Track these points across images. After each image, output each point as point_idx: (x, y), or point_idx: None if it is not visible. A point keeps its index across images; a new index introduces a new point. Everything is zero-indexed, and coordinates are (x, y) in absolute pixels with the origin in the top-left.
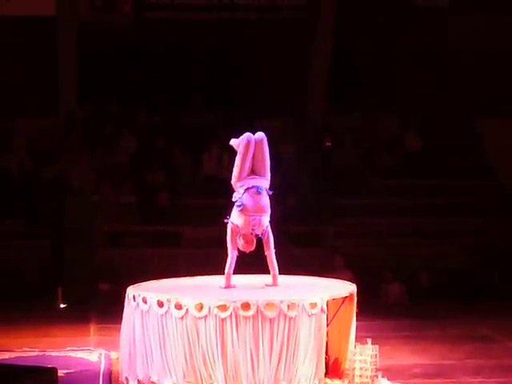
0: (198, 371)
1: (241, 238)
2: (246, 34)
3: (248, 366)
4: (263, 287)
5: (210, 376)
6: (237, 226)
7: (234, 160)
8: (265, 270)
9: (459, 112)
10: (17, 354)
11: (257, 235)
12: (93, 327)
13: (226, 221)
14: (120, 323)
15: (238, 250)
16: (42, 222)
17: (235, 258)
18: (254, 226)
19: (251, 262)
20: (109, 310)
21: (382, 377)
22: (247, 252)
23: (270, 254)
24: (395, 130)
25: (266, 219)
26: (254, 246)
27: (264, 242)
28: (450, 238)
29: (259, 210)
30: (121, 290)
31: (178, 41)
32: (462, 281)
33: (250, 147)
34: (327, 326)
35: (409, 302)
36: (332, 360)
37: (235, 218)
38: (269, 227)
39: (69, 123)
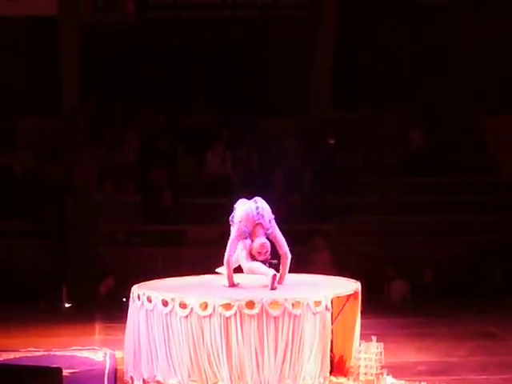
0: (203, 370)
1: (254, 245)
2: (248, 33)
3: (253, 364)
4: (268, 285)
5: (215, 375)
6: (240, 222)
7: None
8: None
9: (462, 109)
10: (22, 354)
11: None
12: (98, 326)
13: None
14: (125, 322)
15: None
16: (45, 221)
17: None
18: (258, 213)
19: None
20: (113, 309)
21: (387, 374)
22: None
23: (284, 254)
24: (398, 127)
25: (267, 212)
26: (269, 250)
27: (275, 242)
28: (454, 235)
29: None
30: (125, 289)
31: (181, 40)
32: (466, 278)
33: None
34: (332, 323)
35: (413, 299)
36: (337, 358)
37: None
38: (275, 228)
39: (72, 122)
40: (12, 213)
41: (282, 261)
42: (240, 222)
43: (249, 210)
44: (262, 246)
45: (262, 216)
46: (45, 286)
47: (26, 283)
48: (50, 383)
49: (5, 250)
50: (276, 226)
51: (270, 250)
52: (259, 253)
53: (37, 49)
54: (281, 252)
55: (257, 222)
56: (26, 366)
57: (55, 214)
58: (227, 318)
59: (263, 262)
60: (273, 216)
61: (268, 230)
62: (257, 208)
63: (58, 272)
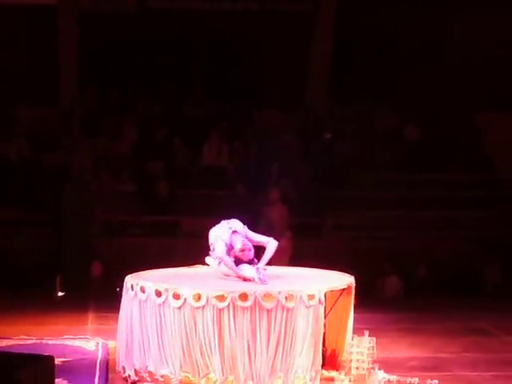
0: (195, 361)
1: (236, 248)
2: (246, 25)
3: (245, 356)
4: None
5: (207, 366)
6: (217, 237)
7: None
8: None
9: (459, 105)
10: (14, 342)
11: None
12: (90, 316)
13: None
14: (118, 312)
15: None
16: (41, 209)
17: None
18: (228, 224)
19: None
20: (106, 299)
21: (379, 369)
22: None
23: (268, 242)
24: (395, 122)
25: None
26: (252, 248)
27: (257, 242)
28: (449, 231)
29: None
30: (119, 278)
31: (179, 31)
32: (460, 274)
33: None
34: (325, 317)
35: (406, 294)
36: (329, 352)
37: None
38: (250, 232)
39: (69, 111)
40: (8, 201)
41: (268, 246)
42: (217, 237)
43: (220, 226)
44: (243, 242)
45: (234, 225)
46: (39, 274)
47: (20, 271)
48: (41, 371)
49: (0, 238)
50: (246, 233)
51: (252, 249)
52: (242, 250)
53: (36, 37)
54: (266, 243)
55: (232, 230)
56: (17, 353)
57: (51, 202)
58: (220, 310)
59: (249, 263)
60: (245, 225)
61: (243, 233)
62: (227, 222)
63: (53, 261)
